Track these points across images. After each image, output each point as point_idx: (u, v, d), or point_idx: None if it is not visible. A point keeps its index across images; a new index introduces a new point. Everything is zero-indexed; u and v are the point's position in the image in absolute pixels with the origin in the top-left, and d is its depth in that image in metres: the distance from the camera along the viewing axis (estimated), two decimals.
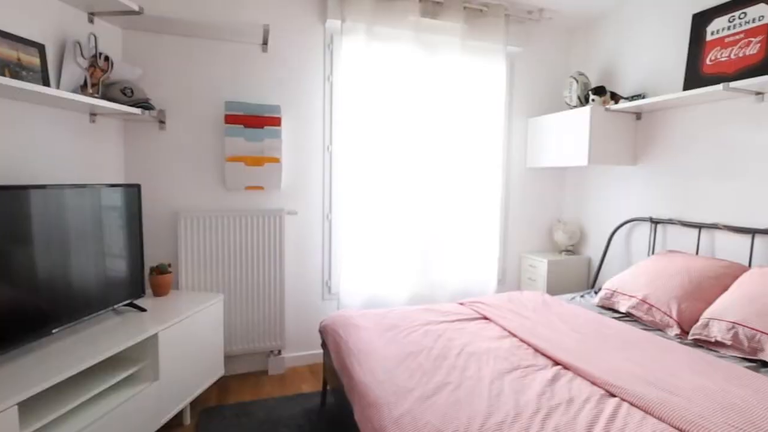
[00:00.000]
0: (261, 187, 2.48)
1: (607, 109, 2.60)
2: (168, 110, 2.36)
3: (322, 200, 2.69)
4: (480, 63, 2.84)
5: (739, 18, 2.13)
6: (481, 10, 2.77)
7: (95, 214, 1.81)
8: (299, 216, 2.65)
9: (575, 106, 2.80)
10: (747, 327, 1.62)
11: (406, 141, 2.68)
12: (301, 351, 2.73)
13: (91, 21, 2.07)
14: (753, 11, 2.07)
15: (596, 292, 2.53)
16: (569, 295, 2.57)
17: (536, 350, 1.71)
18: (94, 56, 1.93)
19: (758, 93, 2.06)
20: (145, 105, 2.12)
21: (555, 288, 2.91)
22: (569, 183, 3.27)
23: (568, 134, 2.73)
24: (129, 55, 2.28)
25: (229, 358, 2.52)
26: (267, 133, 2.45)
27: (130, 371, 1.72)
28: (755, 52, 2.05)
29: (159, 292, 2.20)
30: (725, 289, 1.90)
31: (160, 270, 2.20)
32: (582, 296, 2.54)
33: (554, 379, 1.46)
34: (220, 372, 2.29)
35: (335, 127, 2.67)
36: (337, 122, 2.67)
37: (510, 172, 3.15)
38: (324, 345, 2.07)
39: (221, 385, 2.44)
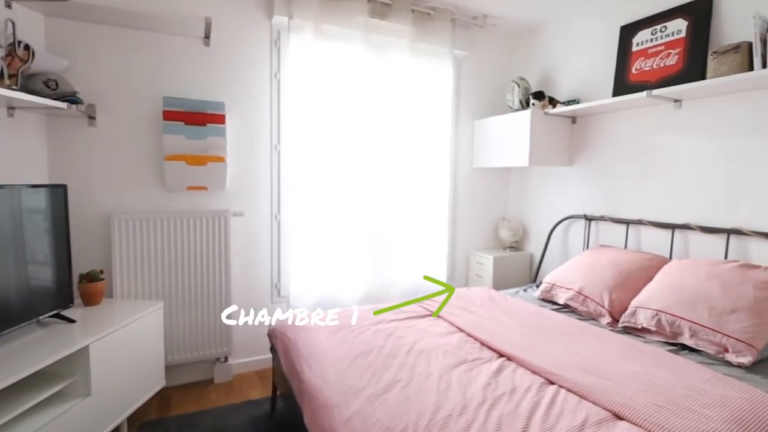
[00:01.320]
0: (204, 188, 2.37)
1: (545, 113, 2.75)
2: (99, 105, 2.20)
3: (271, 201, 2.62)
4: (428, 65, 2.89)
5: (660, 31, 2.33)
6: (428, 14, 2.83)
7: (15, 217, 1.64)
8: (246, 217, 2.56)
9: (517, 110, 2.94)
10: (668, 314, 1.78)
11: (356, 141, 2.68)
12: (250, 357, 2.65)
13: (8, 6, 1.88)
14: (672, 25, 2.27)
15: (538, 286, 2.66)
16: (513, 290, 2.69)
17: (482, 344, 1.77)
18: (12, 44, 1.75)
19: (676, 100, 2.26)
20: (71, 99, 1.96)
21: (500, 283, 3.04)
22: (513, 182, 3.42)
23: (511, 136, 2.86)
24: (54, 44, 2.10)
25: (171, 368, 2.39)
26: (210, 131, 2.35)
27: (58, 387, 1.58)
28: (674, 62, 2.24)
29: (90, 301, 2.04)
30: (650, 279, 2.07)
31: (91, 277, 2.04)
32: (525, 290, 2.67)
33: (498, 370, 1.52)
34: (160, 383, 2.16)
35: (284, 125, 2.62)
36: (286, 121, 2.61)
37: (457, 172, 3.24)
38: (273, 349, 2.02)
39: (163, 397, 2.31)
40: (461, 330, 1.91)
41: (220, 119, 2.37)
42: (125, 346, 1.88)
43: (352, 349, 1.70)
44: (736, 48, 1.89)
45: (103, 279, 2.08)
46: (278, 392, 2.06)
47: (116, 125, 2.25)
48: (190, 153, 2.31)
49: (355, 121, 2.67)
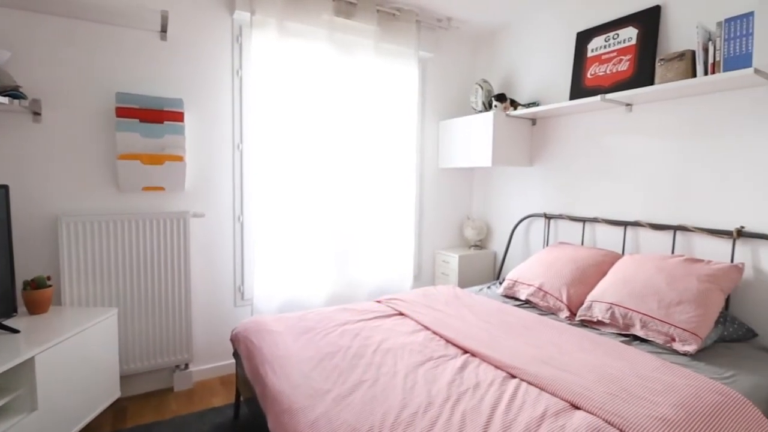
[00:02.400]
0: (161, 188, 2.27)
1: (507, 115, 2.83)
2: (45, 100, 2.06)
3: (233, 201, 2.55)
4: (393, 66, 2.90)
5: (613, 38, 2.44)
6: (393, 14, 2.84)
7: None
8: (207, 218, 2.48)
9: (480, 111, 3.00)
10: (621, 307, 1.87)
11: (321, 140, 2.65)
12: (212, 363, 2.57)
13: None
14: (624, 33, 2.39)
15: (501, 283, 2.73)
16: (478, 287, 2.75)
17: (447, 341, 1.79)
18: None
19: (628, 104, 2.38)
20: (13, 93, 1.83)
21: (465, 281, 3.09)
22: (477, 182, 3.50)
23: (475, 137, 2.92)
24: None
25: (127, 378, 2.28)
26: (168, 129, 2.26)
27: (1, 402, 1.47)
28: (626, 68, 2.36)
29: (36, 309, 1.91)
30: (605, 274, 2.17)
31: (37, 284, 1.91)
32: (489, 287, 2.73)
33: (463, 366, 1.55)
34: (115, 394, 2.05)
35: (246, 124, 2.55)
36: (249, 119, 2.55)
37: (423, 172, 3.27)
38: (236, 354, 1.96)
39: (118, 408, 2.20)
40: (427, 328, 1.93)
41: (178, 117, 2.28)
42: (75, 356, 1.78)
43: (318, 350, 1.68)
44: (681, 56, 2.02)
45: (50, 285, 1.95)
46: (242, 398, 2.01)
47: (64, 122, 2.12)
48: (146, 152, 2.21)
49: (320, 120, 2.64)
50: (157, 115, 2.23)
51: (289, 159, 2.56)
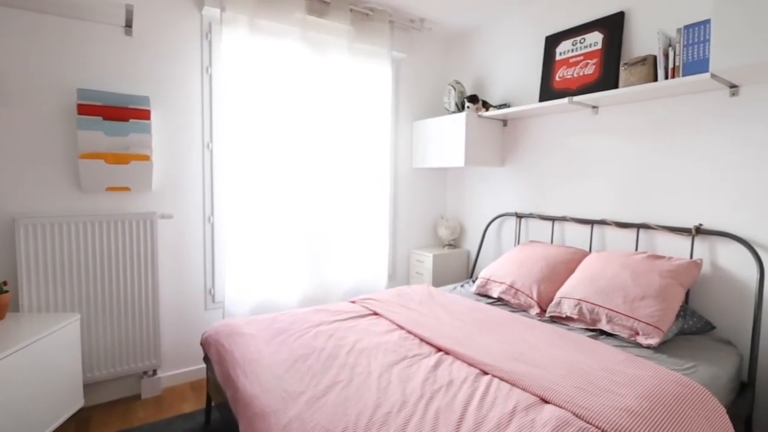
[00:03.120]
0: (127, 188, 2.19)
1: (479, 116, 2.87)
2: (0, 97, 1.96)
3: (203, 202, 2.49)
4: (367, 66, 2.90)
5: (580, 42, 2.52)
6: (367, 14, 2.84)
7: None
8: (176, 219, 2.41)
9: (453, 112, 3.04)
10: (588, 302, 1.93)
11: (294, 140, 2.62)
12: (182, 368, 2.49)
13: None
14: (590, 38, 2.47)
15: (474, 281, 2.77)
16: (451, 286, 2.78)
17: (422, 340, 1.80)
18: None
19: (594, 106, 2.46)
20: None
21: (440, 280, 3.12)
22: (450, 182, 3.54)
23: (448, 137, 2.95)
24: None
25: (91, 386, 2.19)
26: (133, 127, 2.18)
27: None
28: (592, 72, 2.44)
29: None
30: (573, 271, 2.24)
31: None
32: (462, 286, 2.77)
33: (437, 365, 1.56)
34: (78, 403, 1.97)
35: (216, 122, 2.49)
36: (219, 118, 2.49)
37: (397, 172, 3.28)
38: (207, 358, 1.92)
39: (81, 418, 2.11)
40: (401, 327, 1.94)
41: (144, 114, 2.21)
42: (34, 364, 1.69)
43: (291, 353, 1.66)
44: (644, 60, 2.10)
45: (6, 291, 1.85)
46: (213, 403, 1.96)
47: (22, 119, 2.02)
48: (110, 151, 2.13)
49: (293, 120, 2.60)
50: (121, 112, 2.15)
51: (261, 159, 2.52)
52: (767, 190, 1.84)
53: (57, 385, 1.82)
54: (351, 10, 2.77)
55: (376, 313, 2.14)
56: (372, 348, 1.70)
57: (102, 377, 2.18)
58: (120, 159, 2.14)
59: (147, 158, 2.21)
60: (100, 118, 2.10)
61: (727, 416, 1.39)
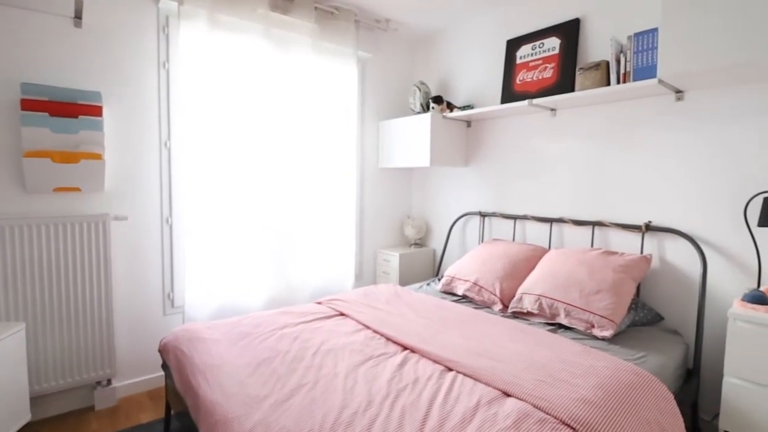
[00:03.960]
0: (77, 189, 2.07)
1: (444, 117, 2.91)
2: None
3: (161, 202, 2.39)
4: (332, 65, 2.88)
5: (539, 47, 2.60)
6: (332, 13, 2.82)
7: None
8: (131, 221, 2.30)
9: (418, 112, 3.07)
10: (548, 297, 2.00)
11: (257, 139, 2.56)
12: (139, 376, 2.38)
13: None
14: (548, 42, 2.56)
15: (440, 280, 2.81)
16: (418, 284, 2.80)
17: (388, 339, 1.81)
18: None
19: (552, 109, 2.55)
20: None
21: (406, 279, 3.15)
22: (416, 182, 3.57)
23: (413, 138, 2.97)
24: None
25: (39, 399, 2.06)
26: (83, 124, 2.06)
27: None
28: (550, 75, 2.53)
29: None
30: (534, 268, 2.31)
31: None
32: (428, 284, 2.80)
33: (402, 363, 1.57)
34: (24, 418, 1.84)
35: (174, 120, 2.40)
36: (177, 115, 2.40)
37: (364, 172, 3.28)
38: (165, 366, 1.84)
39: None
40: (368, 327, 1.94)
41: (95, 111, 2.10)
42: None
43: (254, 357, 1.62)
44: (597, 65, 2.20)
45: None
46: (173, 412, 1.89)
47: None
48: (58, 149, 2.01)
49: (255, 118, 2.55)
50: (70, 108, 2.03)
51: (223, 158, 2.45)
52: (710, 189, 1.97)
53: (1, 398, 1.70)
54: (316, 8, 2.74)
55: (342, 314, 2.13)
56: (338, 349, 1.69)
57: (51, 389, 2.05)
58: (69, 158, 2.02)
59: (99, 157, 2.10)
60: (47, 114, 1.98)
61: (675, 402, 1.48)
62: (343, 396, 1.34)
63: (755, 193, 1.83)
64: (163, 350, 1.84)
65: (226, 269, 2.48)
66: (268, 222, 2.64)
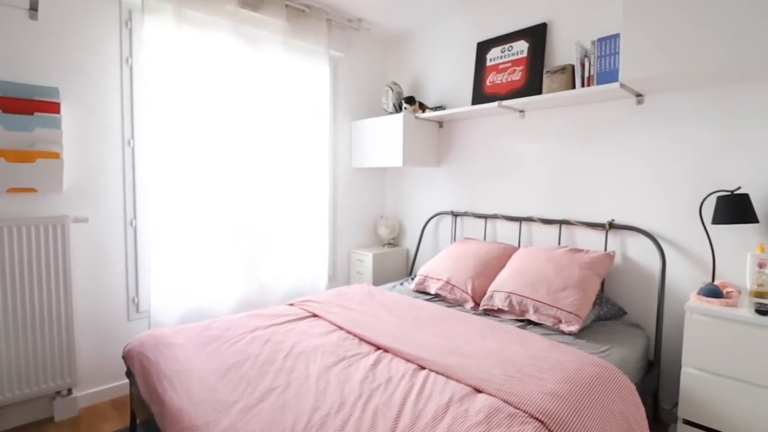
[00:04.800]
0: (33, 189, 1.97)
1: (416, 117, 2.93)
2: None
3: (124, 203, 2.30)
4: (304, 64, 2.85)
5: (508, 50, 2.66)
6: (303, 11, 2.79)
7: None
8: (92, 223, 2.20)
9: (391, 113, 3.08)
10: (517, 294, 2.05)
11: (226, 138, 2.50)
12: (102, 385, 2.29)
13: None
14: (517, 46, 2.62)
15: (413, 279, 2.83)
16: (391, 284, 2.81)
17: (361, 339, 1.81)
18: None
19: (521, 111, 2.61)
20: None
21: (380, 278, 3.15)
22: (389, 182, 3.58)
23: (386, 138, 2.98)
24: None
25: None
26: (39, 121, 1.96)
27: None
28: (519, 78, 2.59)
29: None
30: (504, 266, 2.36)
31: None
32: (401, 284, 2.81)
33: (375, 363, 1.57)
34: None
35: (138, 118, 2.31)
36: (141, 113, 2.31)
37: (337, 172, 3.26)
38: (130, 373, 1.77)
39: None
40: (341, 328, 1.93)
41: (52, 107, 2.00)
42: None
43: (224, 361, 1.58)
44: (563, 69, 2.26)
45: None
46: (138, 421, 1.82)
47: None
48: (11, 147, 1.90)
49: (225, 116, 2.48)
50: (24, 105, 1.93)
51: (191, 157, 2.38)
52: (668, 188, 2.06)
53: None
54: (286, 5, 2.70)
55: (315, 315, 2.11)
56: (310, 351, 1.68)
57: (7, 401, 1.94)
58: (24, 156, 1.92)
59: (57, 156, 2.00)
60: None
61: (637, 392, 1.54)
62: (315, 398, 1.33)
63: (710, 192, 1.93)
64: (127, 357, 1.77)
65: (194, 272, 2.41)
66: (239, 223, 2.58)
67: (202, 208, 2.43)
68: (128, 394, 2.28)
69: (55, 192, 2.07)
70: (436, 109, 2.95)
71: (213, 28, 2.43)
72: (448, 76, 3.06)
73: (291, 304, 2.28)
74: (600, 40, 2.11)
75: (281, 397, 1.34)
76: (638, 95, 2.12)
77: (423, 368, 1.53)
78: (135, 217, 2.34)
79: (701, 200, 1.94)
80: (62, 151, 2.03)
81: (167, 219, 2.30)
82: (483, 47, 2.80)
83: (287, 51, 2.74)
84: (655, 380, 2.00)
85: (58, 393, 2.12)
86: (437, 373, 1.48)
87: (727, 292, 1.70)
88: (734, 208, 1.73)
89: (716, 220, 1.78)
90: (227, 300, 2.56)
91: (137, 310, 2.38)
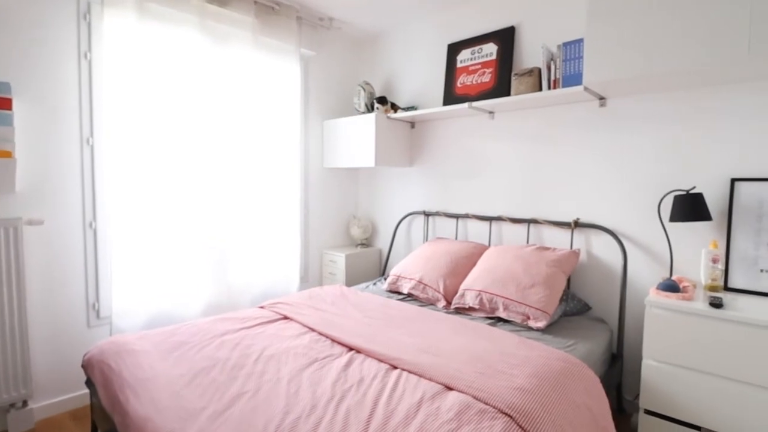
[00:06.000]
0: None
1: (388, 117, 2.94)
2: None
3: (83, 205, 2.19)
4: (274, 62, 2.80)
5: (478, 52, 2.70)
6: (273, 8, 2.74)
7: None
8: (48, 226, 2.09)
9: (363, 112, 3.07)
10: (487, 292, 2.08)
11: (194, 136, 2.42)
12: (60, 396, 2.17)
13: None
14: (486, 48, 2.66)
15: (386, 279, 2.83)
16: (364, 284, 2.81)
17: (333, 341, 1.79)
18: None
19: (490, 112, 2.66)
20: None
21: (353, 279, 3.14)
22: (362, 182, 3.57)
23: (358, 138, 2.97)
24: None
25: None
26: None
27: None
28: (488, 80, 2.63)
29: None
30: (475, 264, 2.40)
31: None
32: (374, 284, 2.81)
33: (348, 364, 1.56)
34: None
35: (98, 116, 2.21)
36: (101, 111, 2.21)
37: (308, 172, 3.22)
38: (90, 382, 1.69)
39: None
40: (313, 330, 1.91)
41: (4, 104, 1.88)
42: None
43: (191, 367, 1.53)
44: (531, 72, 2.32)
45: None
46: (99, 431, 1.74)
47: None
48: None
49: (191, 115, 2.41)
50: None
51: (154, 156, 2.29)
52: (629, 188, 2.15)
53: None
54: (255, 2, 2.65)
55: (286, 317, 2.07)
56: (281, 354, 1.65)
57: None
58: None
59: (8, 155, 1.88)
60: None
61: (601, 385, 1.60)
62: (286, 402, 1.31)
63: (667, 191, 2.02)
64: (87, 365, 1.69)
65: (159, 275, 2.33)
66: (207, 224, 2.51)
67: (168, 209, 2.35)
68: (88, 404, 2.18)
69: (8, 193, 1.95)
70: (408, 109, 2.96)
71: (178, 23, 2.36)
72: (419, 77, 3.08)
73: (262, 307, 2.23)
74: (565, 44, 2.17)
75: (251, 402, 1.31)
76: (601, 98, 2.19)
77: (395, 368, 1.53)
78: (95, 219, 2.23)
79: (659, 199, 2.03)
80: (14, 149, 1.91)
81: (129, 220, 2.21)
82: (453, 49, 2.83)
83: (256, 49, 2.68)
84: (618, 372, 2.08)
85: (12, 405, 2.00)
86: (409, 372, 1.49)
87: (684, 287, 1.79)
88: (689, 207, 1.82)
89: (673, 218, 1.86)
90: (195, 304, 2.48)
91: (98, 317, 2.27)
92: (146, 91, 2.24)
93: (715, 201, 1.91)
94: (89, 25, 2.18)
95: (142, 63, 2.21)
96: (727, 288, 1.85)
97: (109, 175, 2.16)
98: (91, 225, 2.22)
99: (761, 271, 1.78)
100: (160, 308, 2.34)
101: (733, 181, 1.84)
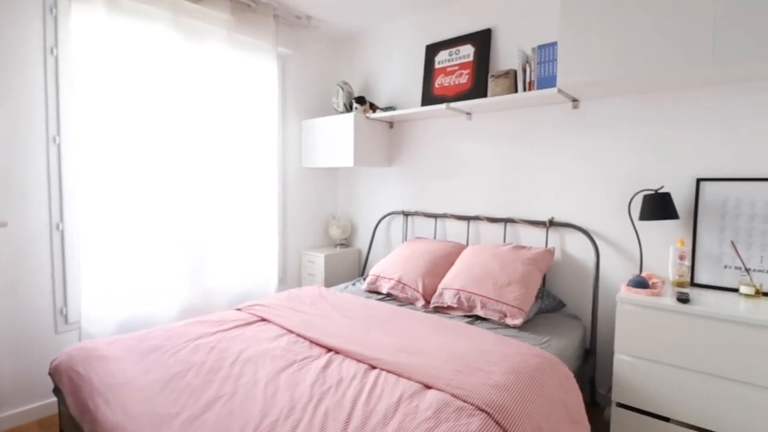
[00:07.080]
0: None
1: (367, 117, 2.94)
2: None
3: (49, 206, 2.11)
4: (251, 60, 2.76)
5: (455, 53, 2.73)
6: (249, 5, 2.70)
7: None
8: (12, 228, 2.00)
9: (342, 112, 3.06)
10: (465, 291, 2.11)
11: (167, 135, 2.36)
12: (26, 405, 2.09)
13: None
14: (463, 50, 2.69)
15: (365, 279, 2.83)
16: (343, 285, 2.80)
17: (312, 342, 1.78)
18: None
19: (468, 113, 2.69)
20: None
21: (332, 280, 3.12)
22: (341, 182, 3.56)
23: (337, 137, 2.96)
24: None
25: None
26: None
27: None
28: (465, 81, 2.66)
29: None
30: (453, 264, 2.42)
31: None
32: (354, 284, 2.80)
33: (326, 365, 1.55)
34: None
35: (65, 113, 2.13)
36: (68, 108, 2.13)
37: (286, 172, 3.19)
38: (58, 390, 1.63)
39: None
40: (291, 331, 1.89)
41: None
42: None
43: (165, 371, 1.50)
44: (507, 74, 2.36)
45: None
46: None
47: None
48: None
49: (163, 113, 2.35)
50: None
51: (124, 156, 2.22)
52: (601, 188, 2.21)
53: None
54: None
55: (263, 319, 2.05)
56: (259, 356, 1.63)
57: None
58: None
59: None
60: None
61: (575, 379, 1.64)
62: (263, 405, 1.29)
63: (637, 191, 2.09)
64: (54, 373, 1.63)
65: (131, 278, 2.26)
66: (181, 225, 2.45)
67: (139, 210, 2.28)
68: (57, 413, 2.10)
69: None
70: (386, 109, 2.97)
71: (150, 18, 2.29)
72: (398, 77, 3.09)
73: (238, 309, 2.20)
74: (540, 47, 2.21)
75: (227, 406, 1.29)
76: (574, 100, 2.25)
77: (374, 368, 1.53)
78: (62, 220, 2.15)
79: (630, 198, 2.09)
80: None
81: (99, 221, 2.14)
82: (431, 50, 2.85)
83: (232, 46, 2.64)
84: (592, 367, 2.13)
85: None
86: (388, 371, 1.49)
87: (653, 283, 1.85)
88: (658, 206, 1.89)
89: (643, 217, 1.93)
90: (169, 307, 2.42)
91: (66, 322, 2.19)
92: (117, 88, 2.17)
93: (682, 200, 1.98)
94: (55, 19, 2.10)
95: (112, 59, 2.15)
96: (693, 284, 1.92)
97: (77, 174, 2.09)
98: (58, 226, 2.14)
99: (725, 267, 1.86)
100: (132, 312, 2.27)
101: (699, 180, 1.92)
